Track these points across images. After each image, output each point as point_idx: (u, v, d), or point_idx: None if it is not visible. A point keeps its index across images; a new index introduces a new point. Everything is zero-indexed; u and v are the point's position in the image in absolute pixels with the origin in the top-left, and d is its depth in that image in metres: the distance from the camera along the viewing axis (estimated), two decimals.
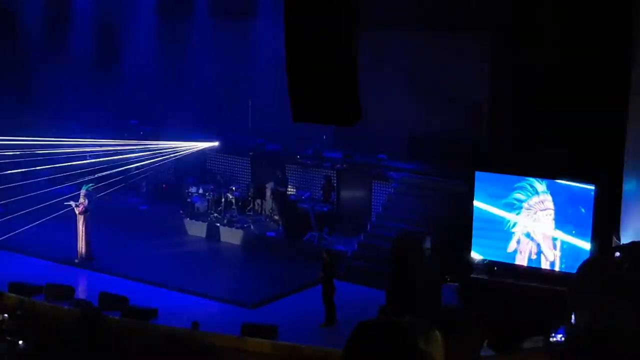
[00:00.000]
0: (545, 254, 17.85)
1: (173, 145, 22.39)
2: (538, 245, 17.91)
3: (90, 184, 20.84)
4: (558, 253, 17.61)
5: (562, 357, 4.56)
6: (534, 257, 17.93)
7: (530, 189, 17.81)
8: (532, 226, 17.95)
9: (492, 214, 18.09)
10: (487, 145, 20.60)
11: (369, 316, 3.98)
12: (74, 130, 24.45)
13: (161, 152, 22.16)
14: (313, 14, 7.04)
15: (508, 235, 18.14)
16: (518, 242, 18.06)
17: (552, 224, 17.59)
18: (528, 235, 18.08)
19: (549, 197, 17.62)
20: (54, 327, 16.27)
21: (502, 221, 18.13)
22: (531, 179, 17.69)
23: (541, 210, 17.80)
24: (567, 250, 17.31)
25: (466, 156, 19.84)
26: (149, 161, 21.81)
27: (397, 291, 17.48)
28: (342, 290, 18.52)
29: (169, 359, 15.89)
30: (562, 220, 17.51)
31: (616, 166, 16.41)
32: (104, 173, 21.37)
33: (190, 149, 22.13)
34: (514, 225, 18.14)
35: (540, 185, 17.72)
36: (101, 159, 22.03)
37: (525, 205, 17.79)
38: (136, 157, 22.33)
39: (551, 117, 18.11)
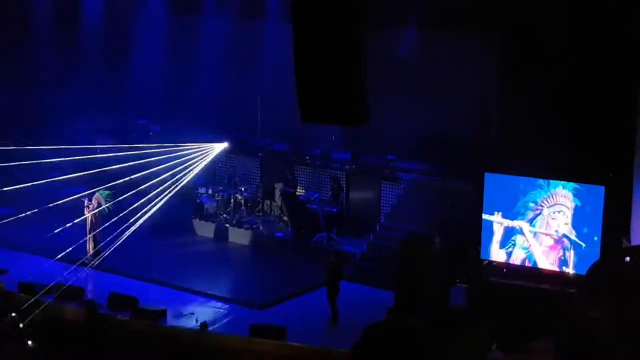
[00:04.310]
0: (539, 264, 17.40)
1: (183, 148, 22.32)
2: (533, 257, 17.37)
3: (108, 192, 20.89)
4: (571, 270, 16.86)
5: (570, 357, 4.54)
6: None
7: (544, 185, 17.20)
8: (528, 228, 17.28)
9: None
10: (496, 146, 20.54)
11: (377, 317, 3.98)
12: (82, 130, 24.48)
13: (173, 157, 22.06)
14: (321, 15, 7.03)
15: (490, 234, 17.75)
16: (510, 253, 17.66)
17: (563, 224, 17.12)
18: (522, 246, 17.46)
19: (565, 193, 16.90)
20: (63, 328, 16.30)
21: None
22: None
23: (549, 207, 17.17)
24: (579, 251, 16.94)
25: (475, 157, 19.79)
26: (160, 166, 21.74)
27: (405, 292, 17.45)
28: (351, 291, 18.52)
29: (178, 359, 15.91)
30: (579, 220, 16.84)
31: (626, 167, 16.34)
32: (120, 180, 21.31)
33: (205, 154, 22.03)
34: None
35: (554, 182, 17.08)
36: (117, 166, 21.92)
37: (531, 204, 17.43)
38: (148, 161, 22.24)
39: (561, 118, 18.04)
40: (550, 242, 17.31)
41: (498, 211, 17.58)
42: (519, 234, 17.55)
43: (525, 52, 18.85)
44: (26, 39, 26.41)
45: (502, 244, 17.66)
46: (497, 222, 17.61)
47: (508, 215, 17.53)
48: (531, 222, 17.43)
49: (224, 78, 25.36)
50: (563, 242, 17.17)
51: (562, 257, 17.20)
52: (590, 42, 17.60)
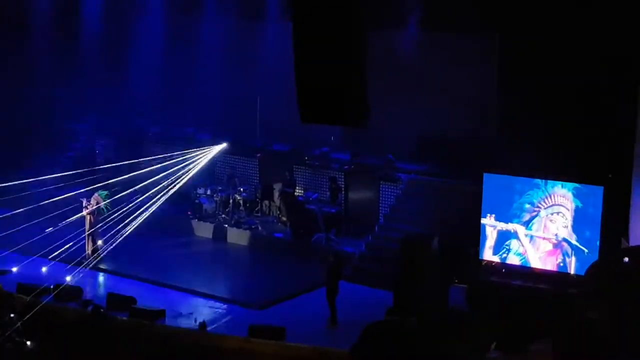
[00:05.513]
0: (532, 265, 17.11)
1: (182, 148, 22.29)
2: (528, 264, 17.12)
3: (107, 192, 20.87)
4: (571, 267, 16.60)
5: (569, 357, 4.54)
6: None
7: (541, 185, 17.09)
8: (524, 231, 17.03)
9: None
10: (495, 146, 20.54)
11: (376, 318, 3.97)
12: (82, 131, 24.47)
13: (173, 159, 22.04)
14: (321, 15, 7.04)
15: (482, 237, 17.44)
16: (504, 259, 17.53)
17: (562, 227, 16.89)
18: (516, 252, 17.20)
19: (564, 193, 16.73)
20: (61, 328, 16.29)
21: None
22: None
23: (546, 208, 16.99)
24: (581, 257, 16.61)
25: (474, 157, 19.79)
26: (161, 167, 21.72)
27: (404, 293, 17.44)
28: (350, 291, 18.51)
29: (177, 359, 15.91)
30: (580, 222, 16.54)
31: (625, 168, 16.33)
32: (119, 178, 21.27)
33: (203, 155, 21.99)
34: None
35: (552, 182, 16.84)
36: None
37: (527, 206, 17.27)
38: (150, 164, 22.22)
39: (560, 119, 18.04)
40: (549, 246, 17.06)
41: (491, 214, 17.43)
42: (514, 238, 17.33)
43: (525, 52, 18.84)
44: (26, 39, 26.39)
45: (496, 250, 17.49)
46: (490, 226, 17.45)
47: (503, 217, 17.36)
48: (527, 224, 17.22)
49: (223, 78, 25.35)
50: (563, 246, 16.87)
51: (562, 264, 16.84)
52: (590, 42, 17.59)
